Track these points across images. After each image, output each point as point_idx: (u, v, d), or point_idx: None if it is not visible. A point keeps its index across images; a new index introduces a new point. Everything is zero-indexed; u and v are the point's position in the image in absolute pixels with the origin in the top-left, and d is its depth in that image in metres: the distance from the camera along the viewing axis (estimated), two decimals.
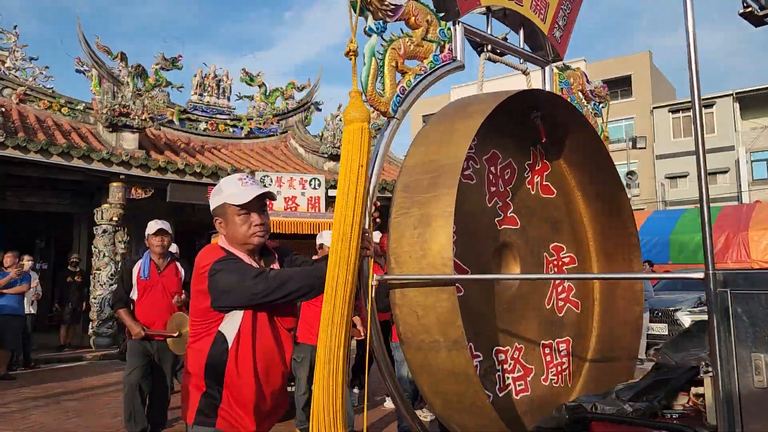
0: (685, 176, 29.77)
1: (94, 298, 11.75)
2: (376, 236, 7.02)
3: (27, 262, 9.47)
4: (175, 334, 4.80)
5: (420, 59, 2.45)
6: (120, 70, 13.58)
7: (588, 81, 3.42)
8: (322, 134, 15.83)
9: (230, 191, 2.19)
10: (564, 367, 3.01)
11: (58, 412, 6.52)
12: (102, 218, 11.93)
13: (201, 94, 15.61)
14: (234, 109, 16.19)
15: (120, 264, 12.26)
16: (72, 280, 11.80)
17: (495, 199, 2.80)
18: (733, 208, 16.47)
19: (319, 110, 17.59)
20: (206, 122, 15.45)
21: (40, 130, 11.68)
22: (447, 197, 2.16)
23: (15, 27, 13.33)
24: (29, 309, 9.56)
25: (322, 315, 1.97)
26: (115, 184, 11.80)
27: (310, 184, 7.14)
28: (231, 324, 2.08)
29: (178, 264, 5.20)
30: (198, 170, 12.23)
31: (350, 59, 2.15)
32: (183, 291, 5.12)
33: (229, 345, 2.07)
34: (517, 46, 2.99)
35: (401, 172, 2.37)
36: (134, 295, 4.95)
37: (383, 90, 2.29)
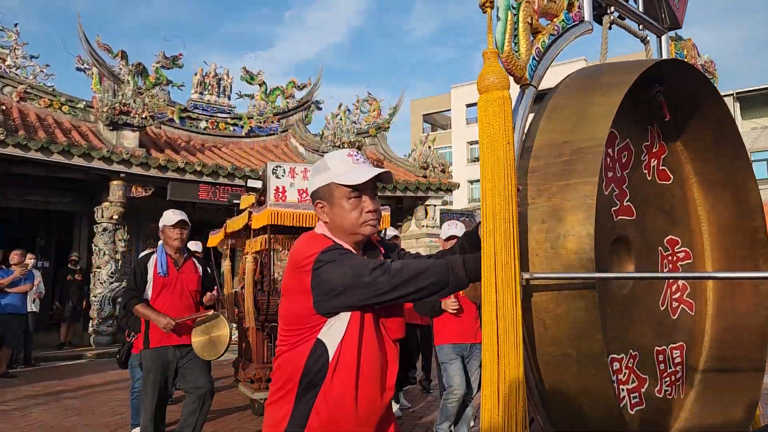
0: None
1: (95, 297, 11.76)
2: (391, 232, 6.70)
3: (30, 260, 9.47)
4: (210, 313, 4.41)
5: (551, 17, 2.16)
6: (120, 69, 13.57)
7: (699, 53, 3.08)
8: (323, 133, 15.82)
9: (339, 169, 1.79)
10: (678, 376, 2.68)
11: (58, 410, 6.53)
12: (102, 216, 11.94)
13: (201, 93, 15.61)
14: (234, 107, 16.18)
15: (120, 262, 12.28)
16: (72, 279, 11.82)
17: (612, 185, 2.42)
18: None
19: (320, 109, 17.59)
20: (207, 121, 15.44)
21: (40, 128, 11.68)
22: (587, 186, 1.85)
23: (16, 25, 13.33)
24: (31, 307, 9.57)
25: (483, 322, 1.74)
26: (115, 182, 11.81)
27: None
28: (333, 331, 1.69)
29: (195, 260, 4.64)
30: (198, 169, 12.23)
31: (485, 11, 1.86)
32: (216, 289, 4.75)
33: (330, 356, 1.69)
34: (637, 9, 2.70)
35: (523, 155, 2.04)
36: (148, 293, 4.37)
37: (518, 51, 1.97)
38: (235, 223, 6.69)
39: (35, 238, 15.04)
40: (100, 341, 11.64)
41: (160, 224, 4.42)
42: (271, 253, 6.56)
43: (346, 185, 1.77)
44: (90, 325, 11.88)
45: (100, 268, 11.91)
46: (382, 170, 1.78)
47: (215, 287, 4.95)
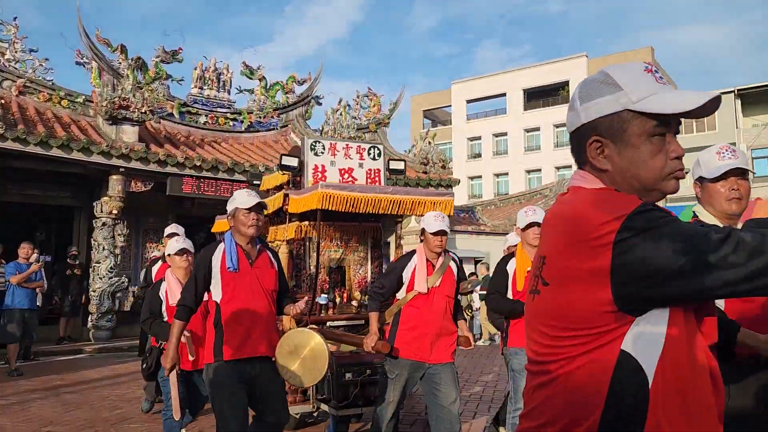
0: (686, 172, 29.69)
1: (94, 291, 11.76)
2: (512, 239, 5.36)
3: (35, 254, 9.41)
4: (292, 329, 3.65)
5: None
6: (120, 63, 13.54)
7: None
8: (323, 128, 15.79)
9: (639, 89, 1.16)
10: None
11: (57, 404, 6.52)
12: (101, 211, 11.93)
13: (201, 88, 15.56)
14: (234, 102, 16.14)
15: (119, 257, 12.26)
16: (71, 273, 11.81)
17: None
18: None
19: (320, 104, 17.54)
20: (206, 115, 15.40)
21: (39, 122, 11.65)
22: None
23: (15, 19, 13.27)
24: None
25: None
26: (114, 177, 11.79)
27: (369, 154, 5.78)
28: (646, 340, 1.08)
29: (269, 252, 3.71)
30: (198, 164, 12.21)
31: None
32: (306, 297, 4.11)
33: (650, 379, 1.07)
34: None
35: None
36: (217, 295, 3.45)
37: None
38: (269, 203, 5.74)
39: (34, 233, 15.03)
40: (99, 336, 11.64)
41: (230, 207, 3.52)
42: (306, 243, 5.61)
43: (651, 115, 1.15)
44: (89, 319, 11.88)
45: (100, 262, 11.90)
46: (709, 95, 1.13)
47: (305, 295, 4.58)
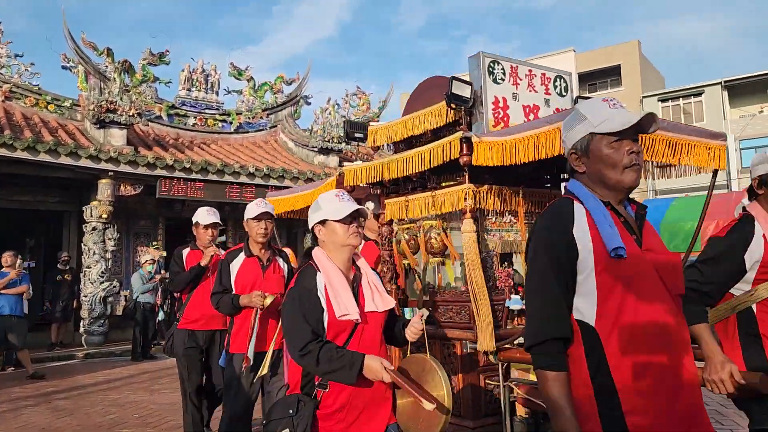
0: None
1: (85, 296, 11.69)
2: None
3: (18, 261, 9.35)
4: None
5: None
6: (107, 66, 13.44)
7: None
8: (312, 128, 15.76)
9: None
10: None
11: (49, 410, 6.48)
12: (91, 216, 11.85)
13: (189, 89, 15.49)
14: (223, 103, 16.08)
15: (110, 261, 12.19)
16: (62, 279, 11.73)
17: None
18: (723, 197, 16.59)
19: (309, 104, 17.52)
20: (195, 117, 15.34)
21: (26, 127, 11.56)
22: None
23: None
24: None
25: None
26: (103, 181, 11.71)
27: (555, 87, 4.22)
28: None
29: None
30: (187, 166, 12.16)
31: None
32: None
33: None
34: None
35: None
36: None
37: None
38: (392, 166, 3.97)
39: (24, 239, 14.91)
40: (92, 341, 11.58)
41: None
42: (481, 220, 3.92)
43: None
44: (81, 325, 11.80)
45: (90, 267, 11.83)
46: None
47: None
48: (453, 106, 3.77)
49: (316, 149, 15.07)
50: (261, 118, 16.38)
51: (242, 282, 3.77)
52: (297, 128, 16.59)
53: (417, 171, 3.82)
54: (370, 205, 4.52)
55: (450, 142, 3.56)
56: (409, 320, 2.42)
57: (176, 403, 6.77)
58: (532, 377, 3.37)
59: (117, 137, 12.00)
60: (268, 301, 3.60)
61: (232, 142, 15.56)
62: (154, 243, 12.82)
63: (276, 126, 16.55)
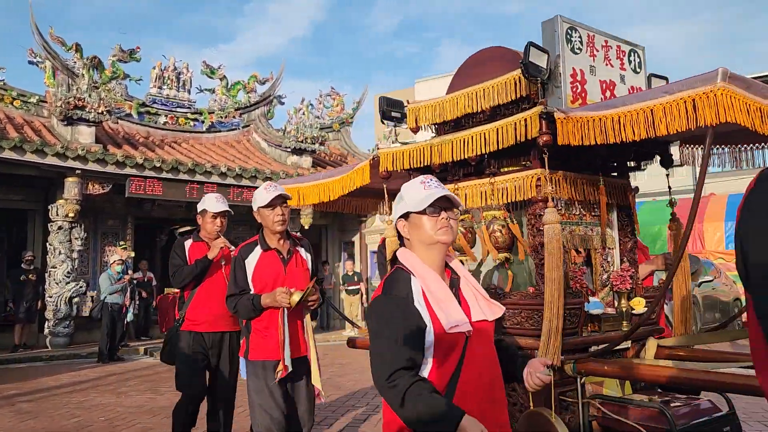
0: (642, 170, 30.43)
1: (50, 297, 11.44)
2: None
3: None
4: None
5: None
6: (75, 62, 13.19)
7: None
8: (285, 128, 15.68)
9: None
10: None
11: (12, 413, 6.33)
12: (57, 215, 11.61)
13: (160, 87, 15.28)
14: (195, 102, 15.90)
15: (77, 261, 11.96)
16: (26, 278, 11.46)
17: None
18: (689, 201, 17.05)
19: (282, 104, 17.43)
20: (166, 116, 15.14)
21: None
22: None
23: None
24: None
25: None
26: (70, 179, 11.48)
27: (630, 62, 3.72)
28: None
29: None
30: (158, 165, 11.99)
31: None
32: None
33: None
34: None
35: None
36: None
37: None
38: (445, 148, 3.41)
39: None
40: (57, 343, 11.34)
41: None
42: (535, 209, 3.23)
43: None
44: (45, 326, 11.54)
45: (56, 267, 11.58)
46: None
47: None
48: (530, 76, 3.10)
49: (289, 150, 14.99)
50: (234, 117, 16.24)
51: (262, 280, 3.31)
52: (270, 128, 16.50)
53: (476, 154, 3.27)
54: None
55: (526, 119, 2.98)
56: (528, 358, 1.97)
57: (144, 406, 6.68)
58: (607, 391, 3.08)
59: (85, 135, 11.78)
60: (296, 298, 3.14)
61: (204, 142, 15.40)
62: (121, 243, 12.62)
63: (249, 126, 16.43)
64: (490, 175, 3.45)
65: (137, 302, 12.44)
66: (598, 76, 3.45)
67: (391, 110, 3.98)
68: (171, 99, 15.38)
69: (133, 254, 13.05)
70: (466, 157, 3.31)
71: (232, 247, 3.99)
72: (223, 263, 4.12)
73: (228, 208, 4.20)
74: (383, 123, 4.13)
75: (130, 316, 11.44)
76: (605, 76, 3.49)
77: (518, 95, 3.25)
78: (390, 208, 3.80)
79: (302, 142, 14.75)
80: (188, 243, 4.23)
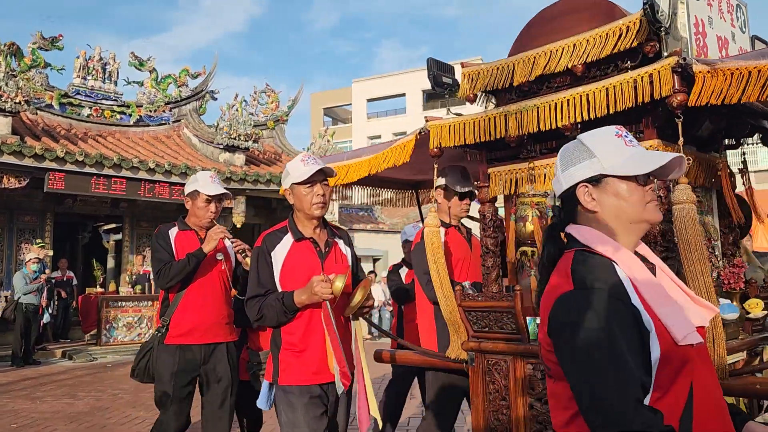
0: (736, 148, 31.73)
1: None
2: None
3: None
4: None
5: None
6: None
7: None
8: (218, 124, 15.33)
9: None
10: None
11: None
12: None
13: (85, 78, 14.61)
14: (122, 95, 15.30)
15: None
16: None
17: None
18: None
19: (215, 99, 17.01)
20: (90, 108, 14.49)
21: None
22: None
23: None
24: None
25: None
26: None
27: (737, 17, 3.24)
28: None
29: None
30: (80, 159, 11.45)
31: None
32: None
33: None
34: None
35: None
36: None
37: None
38: (528, 116, 2.79)
39: None
40: None
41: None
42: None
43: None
44: None
45: None
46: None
47: None
48: (655, 21, 2.45)
49: (221, 146, 14.65)
50: (163, 111, 15.74)
51: (293, 277, 2.56)
52: (202, 124, 16.09)
53: (572, 122, 2.63)
54: (441, 181, 3.57)
55: (651, 74, 2.38)
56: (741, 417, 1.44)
57: (61, 412, 6.37)
58: None
59: (1, 125, 11.12)
60: (339, 284, 2.43)
61: (131, 136, 14.85)
62: (38, 241, 11.99)
63: (179, 121, 15.96)
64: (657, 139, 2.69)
65: (56, 303, 11.86)
66: (715, 29, 2.92)
67: (443, 75, 3.40)
68: (96, 90, 14.74)
69: (51, 253, 12.43)
70: (560, 125, 2.66)
71: (233, 239, 3.48)
72: (219, 258, 3.50)
73: (225, 191, 3.53)
74: (434, 89, 3.42)
75: (47, 318, 10.90)
76: (720, 32, 2.97)
77: (620, 48, 2.61)
78: (435, 191, 3.49)
79: (235, 139, 14.46)
80: (173, 232, 3.49)
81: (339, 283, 2.43)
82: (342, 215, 17.79)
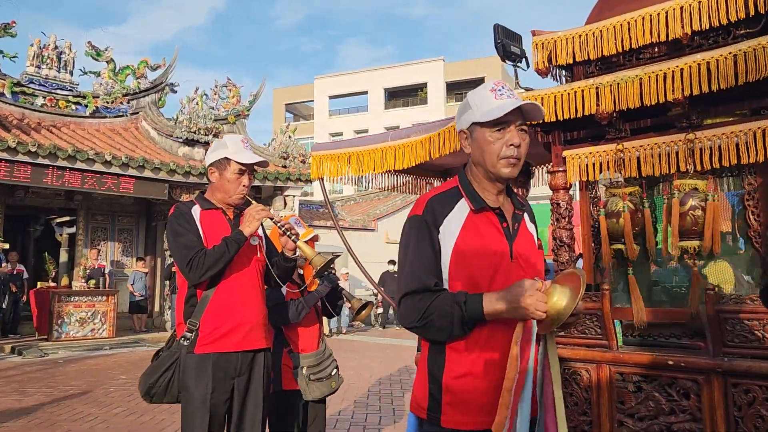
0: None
1: None
2: None
3: None
4: None
5: None
6: None
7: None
8: (177, 117, 15.11)
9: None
10: None
11: None
12: None
13: (39, 66, 14.20)
14: (77, 84, 14.92)
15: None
16: None
17: None
18: None
19: (175, 92, 16.72)
20: (44, 97, 14.09)
21: None
22: None
23: None
24: None
25: None
26: None
27: None
28: None
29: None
30: (33, 149, 11.15)
31: None
32: None
33: None
34: None
35: None
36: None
37: None
38: (631, 87, 2.36)
39: None
40: None
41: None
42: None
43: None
44: None
45: None
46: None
47: None
48: None
49: (180, 140, 14.46)
50: (121, 103, 15.41)
51: (470, 263, 1.72)
52: (161, 117, 15.81)
53: (685, 95, 2.24)
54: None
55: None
56: None
57: (9, 409, 6.22)
58: None
59: None
60: (563, 302, 1.55)
61: (87, 127, 14.50)
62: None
63: (138, 113, 15.65)
64: (686, 129, 2.40)
65: (5, 297, 11.53)
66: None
67: (511, 44, 2.91)
68: (50, 80, 14.34)
69: (7, 246, 12.09)
70: (670, 99, 2.27)
71: (277, 219, 2.82)
72: (255, 243, 2.80)
73: (260, 159, 2.81)
74: (502, 60, 2.95)
75: None
76: None
77: (740, 15, 2.27)
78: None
79: (195, 132, 14.29)
80: (196, 211, 2.78)
81: (563, 302, 1.53)
82: (302, 211, 17.75)
